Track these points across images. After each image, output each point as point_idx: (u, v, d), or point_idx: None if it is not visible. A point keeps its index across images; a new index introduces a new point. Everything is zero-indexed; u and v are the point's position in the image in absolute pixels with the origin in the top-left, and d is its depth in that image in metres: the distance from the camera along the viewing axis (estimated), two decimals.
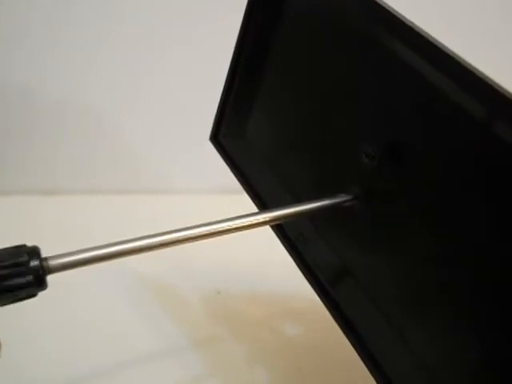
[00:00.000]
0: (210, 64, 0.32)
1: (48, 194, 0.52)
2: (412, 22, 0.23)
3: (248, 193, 0.32)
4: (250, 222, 0.24)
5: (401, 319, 0.25)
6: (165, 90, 0.54)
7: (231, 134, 0.34)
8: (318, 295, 0.27)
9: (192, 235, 0.23)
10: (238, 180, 0.33)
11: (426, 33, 0.22)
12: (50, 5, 0.49)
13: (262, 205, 0.31)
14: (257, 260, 0.40)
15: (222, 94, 0.33)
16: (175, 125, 0.54)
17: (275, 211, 0.24)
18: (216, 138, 0.35)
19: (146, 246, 0.23)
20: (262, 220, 0.24)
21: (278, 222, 0.25)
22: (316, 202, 0.25)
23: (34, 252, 0.20)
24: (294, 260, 0.29)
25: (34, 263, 0.20)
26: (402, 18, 0.23)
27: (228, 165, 0.34)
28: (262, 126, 0.33)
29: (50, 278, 0.20)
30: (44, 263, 0.20)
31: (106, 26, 0.50)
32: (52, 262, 0.20)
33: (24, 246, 0.20)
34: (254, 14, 0.30)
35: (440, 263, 0.22)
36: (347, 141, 0.27)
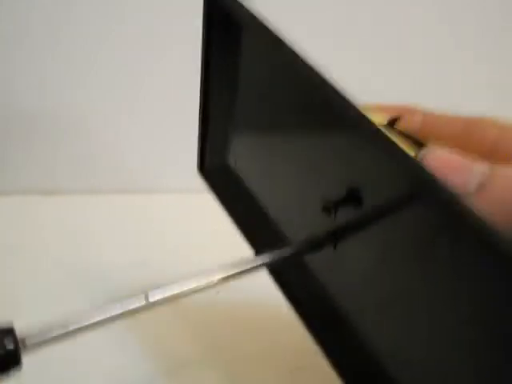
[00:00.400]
0: (198, 64, 0.32)
1: (48, 193, 0.52)
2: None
3: (237, 228, 0.33)
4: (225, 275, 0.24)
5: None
6: (164, 90, 0.54)
7: (215, 164, 0.34)
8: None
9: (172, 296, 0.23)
10: (226, 213, 0.33)
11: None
12: (49, 5, 0.49)
13: (252, 242, 0.32)
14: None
15: (199, 126, 0.33)
16: (176, 125, 0.54)
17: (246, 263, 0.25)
18: (202, 168, 0.35)
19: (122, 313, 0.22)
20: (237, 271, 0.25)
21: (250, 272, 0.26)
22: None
23: (8, 333, 0.19)
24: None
25: (9, 347, 0.19)
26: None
27: (216, 198, 0.34)
28: (241, 158, 0.33)
29: None
30: (20, 345, 0.19)
31: (105, 26, 0.50)
32: (28, 342, 0.20)
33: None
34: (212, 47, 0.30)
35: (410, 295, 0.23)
36: (307, 188, 0.27)
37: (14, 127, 0.52)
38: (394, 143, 0.20)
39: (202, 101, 0.32)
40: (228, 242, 0.33)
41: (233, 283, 0.25)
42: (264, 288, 0.30)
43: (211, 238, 0.47)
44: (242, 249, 0.32)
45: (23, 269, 0.43)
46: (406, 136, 0.26)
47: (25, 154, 0.53)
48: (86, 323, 0.21)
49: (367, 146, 0.22)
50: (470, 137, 0.27)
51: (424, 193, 0.19)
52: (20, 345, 0.19)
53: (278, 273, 0.30)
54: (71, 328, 0.21)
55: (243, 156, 0.33)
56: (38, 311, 0.40)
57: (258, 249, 0.31)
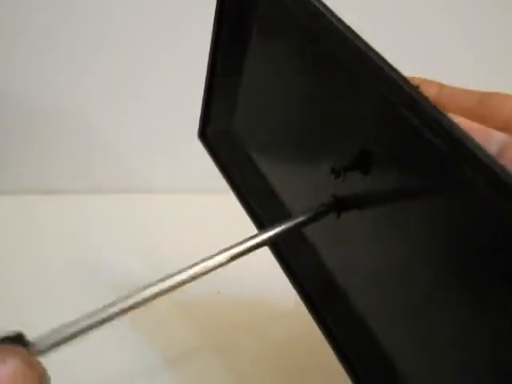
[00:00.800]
0: (199, 64, 0.32)
1: (48, 193, 0.52)
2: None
3: (236, 197, 0.32)
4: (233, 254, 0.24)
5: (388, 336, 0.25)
6: (164, 90, 0.54)
7: (218, 131, 0.34)
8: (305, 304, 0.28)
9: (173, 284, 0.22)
10: (226, 180, 0.33)
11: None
12: (49, 5, 0.49)
13: (250, 210, 0.31)
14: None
15: (205, 90, 0.32)
16: (176, 125, 0.54)
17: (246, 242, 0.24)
18: (204, 135, 0.34)
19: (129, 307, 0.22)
20: (243, 249, 0.24)
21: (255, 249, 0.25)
22: (295, 218, 0.25)
23: (18, 339, 0.19)
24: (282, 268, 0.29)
25: None
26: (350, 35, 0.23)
27: (216, 165, 0.34)
28: (246, 124, 0.33)
29: None
30: (30, 349, 0.19)
31: (105, 26, 0.50)
32: (37, 347, 0.20)
33: (6, 338, 0.19)
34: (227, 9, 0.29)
35: (418, 265, 0.22)
36: (317, 151, 0.27)
37: (14, 127, 0.52)
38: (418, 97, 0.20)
39: (211, 62, 0.31)
40: (228, 242, 0.33)
41: (235, 280, 0.24)
42: (267, 284, 0.30)
43: (211, 237, 0.47)
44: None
45: (23, 269, 0.43)
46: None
47: (25, 154, 0.53)
48: (93, 322, 0.21)
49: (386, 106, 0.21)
50: (485, 110, 0.27)
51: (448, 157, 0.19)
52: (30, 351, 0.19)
53: (278, 246, 0.29)
54: (79, 328, 0.21)
55: (247, 121, 0.33)
56: (38, 311, 0.40)
57: (259, 219, 0.31)
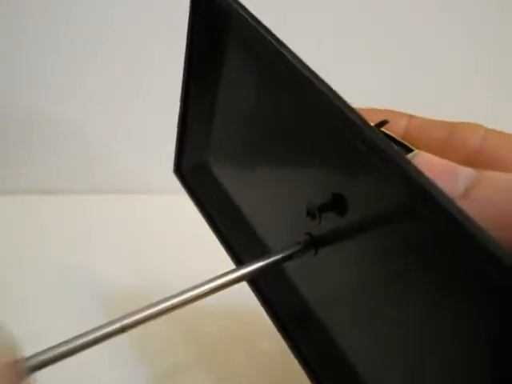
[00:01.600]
0: None
1: (48, 193, 0.52)
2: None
3: (217, 237, 0.32)
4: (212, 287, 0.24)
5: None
6: (164, 91, 0.54)
7: (193, 165, 0.34)
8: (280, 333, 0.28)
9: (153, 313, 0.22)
10: (205, 220, 0.33)
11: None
12: (49, 5, 0.49)
13: (229, 249, 0.31)
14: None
15: (178, 123, 0.33)
16: (175, 125, 0.54)
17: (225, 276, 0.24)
18: (179, 170, 0.34)
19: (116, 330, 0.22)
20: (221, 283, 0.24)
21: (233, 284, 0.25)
22: (273, 255, 0.25)
23: None
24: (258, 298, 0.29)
25: None
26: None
27: (193, 201, 0.34)
28: (221, 158, 0.33)
29: None
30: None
31: (105, 26, 0.50)
32: (29, 363, 0.19)
33: None
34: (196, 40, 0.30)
35: (389, 302, 0.22)
36: (292, 189, 0.27)
37: (14, 127, 0.52)
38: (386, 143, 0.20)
39: (183, 96, 0.31)
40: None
41: (227, 293, 0.24)
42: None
43: (211, 238, 0.47)
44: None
45: (23, 269, 0.43)
46: (393, 140, 0.26)
47: (25, 154, 0.53)
48: (86, 341, 0.21)
49: (356, 146, 0.21)
50: (454, 140, 0.27)
51: (415, 203, 0.19)
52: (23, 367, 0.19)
53: (255, 280, 0.29)
54: (73, 346, 0.21)
55: (223, 157, 0.33)
56: (38, 311, 0.40)
57: (235, 255, 0.31)
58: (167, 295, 0.23)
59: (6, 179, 0.53)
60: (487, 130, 0.27)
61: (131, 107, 0.54)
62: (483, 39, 0.58)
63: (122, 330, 0.21)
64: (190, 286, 0.23)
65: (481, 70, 0.59)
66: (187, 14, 0.29)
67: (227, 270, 0.24)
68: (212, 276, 0.24)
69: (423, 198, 0.18)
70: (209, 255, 0.45)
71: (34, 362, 0.20)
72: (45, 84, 0.51)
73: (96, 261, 0.45)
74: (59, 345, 0.20)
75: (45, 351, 0.20)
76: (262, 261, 0.25)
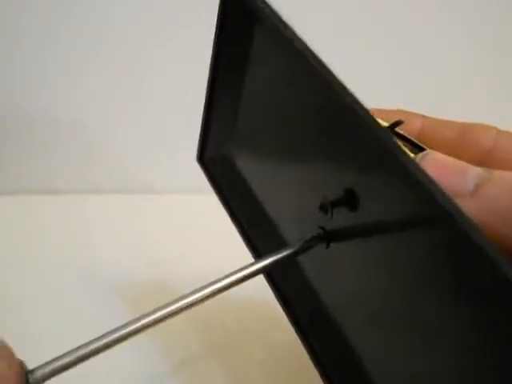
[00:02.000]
0: (199, 64, 0.32)
1: (48, 193, 0.52)
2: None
3: (236, 228, 0.33)
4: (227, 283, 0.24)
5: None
6: (164, 91, 0.54)
7: (216, 156, 0.34)
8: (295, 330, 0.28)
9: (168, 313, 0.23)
10: (225, 208, 0.33)
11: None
12: (49, 5, 0.49)
13: (248, 242, 0.32)
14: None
15: (204, 110, 0.32)
16: (175, 125, 0.54)
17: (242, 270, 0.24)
18: (202, 159, 0.34)
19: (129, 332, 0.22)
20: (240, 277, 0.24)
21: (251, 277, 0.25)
22: (282, 251, 0.26)
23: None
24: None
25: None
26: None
27: (214, 190, 0.34)
28: (244, 149, 0.33)
29: None
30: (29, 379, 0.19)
31: (106, 26, 0.51)
32: (37, 374, 0.20)
33: None
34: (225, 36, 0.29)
35: (402, 299, 0.22)
36: (308, 183, 0.27)
37: (14, 127, 0.52)
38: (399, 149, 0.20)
39: (210, 87, 0.31)
40: (229, 242, 0.33)
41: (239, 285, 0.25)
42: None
43: (211, 237, 0.47)
44: (243, 248, 0.32)
45: (23, 269, 0.43)
46: (407, 140, 0.27)
47: (25, 154, 0.53)
48: (94, 348, 0.21)
49: (372, 147, 0.22)
50: (467, 140, 0.27)
51: (426, 207, 0.19)
52: (30, 379, 0.19)
53: (271, 273, 0.30)
54: (80, 354, 0.21)
55: (245, 150, 0.33)
56: (38, 311, 0.40)
57: (253, 245, 0.31)
58: (167, 295, 0.23)
59: (5, 179, 0.53)
60: (499, 131, 0.27)
61: (131, 107, 0.54)
62: (483, 39, 0.58)
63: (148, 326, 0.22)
64: (190, 285, 0.23)
65: (481, 70, 0.59)
66: (187, 14, 0.29)
67: (227, 269, 0.24)
68: (213, 274, 0.24)
69: (429, 204, 0.18)
70: (209, 254, 0.46)
71: (45, 371, 0.20)
72: (45, 84, 0.51)
73: (96, 261, 0.45)
74: (69, 352, 0.20)
75: (51, 361, 0.20)
76: (279, 254, 0.25)
